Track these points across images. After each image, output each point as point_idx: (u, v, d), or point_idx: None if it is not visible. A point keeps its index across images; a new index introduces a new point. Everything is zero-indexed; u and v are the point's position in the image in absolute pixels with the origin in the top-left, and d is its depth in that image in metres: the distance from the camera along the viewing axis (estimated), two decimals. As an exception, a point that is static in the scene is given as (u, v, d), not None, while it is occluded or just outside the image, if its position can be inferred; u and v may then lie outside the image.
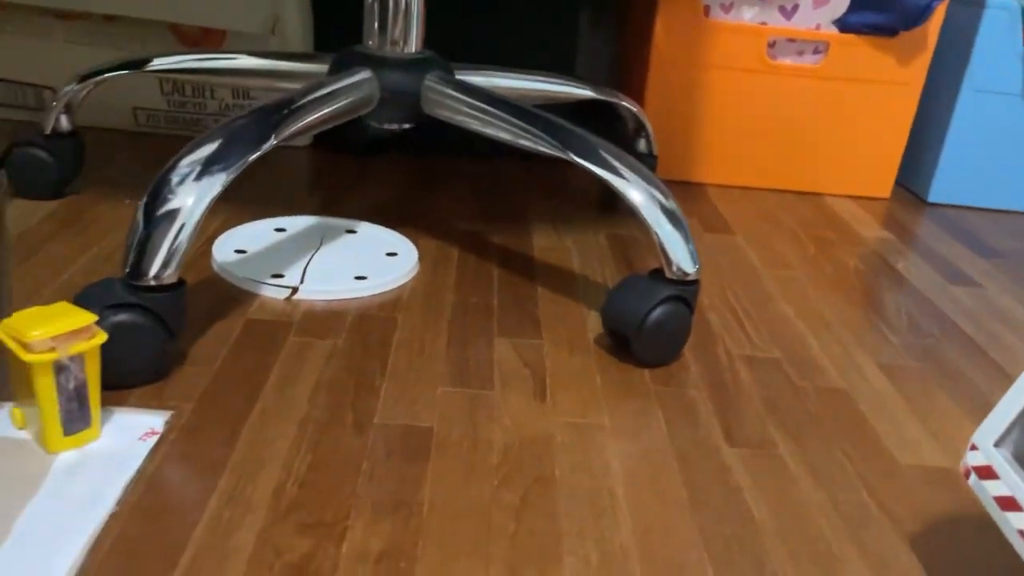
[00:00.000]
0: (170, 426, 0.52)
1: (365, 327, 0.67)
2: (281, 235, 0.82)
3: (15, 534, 0.43)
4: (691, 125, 1.11)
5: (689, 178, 1.14)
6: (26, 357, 0.45)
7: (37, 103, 1.04)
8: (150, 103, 1.05)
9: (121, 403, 0.54)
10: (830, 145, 1.13)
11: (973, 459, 0.42)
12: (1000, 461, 0.41)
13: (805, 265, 0.91)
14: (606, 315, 0.67)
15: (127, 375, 0.55)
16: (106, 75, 0.83)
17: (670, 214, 0.66)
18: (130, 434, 0.50)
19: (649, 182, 0.67)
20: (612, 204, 1.01)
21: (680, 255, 0.65)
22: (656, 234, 0.65)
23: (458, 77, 0.78)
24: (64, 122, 0.84)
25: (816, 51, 1.08)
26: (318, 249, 0.79)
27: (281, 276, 0.73)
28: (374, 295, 0.73)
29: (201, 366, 0.59)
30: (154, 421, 0.52)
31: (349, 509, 0.48)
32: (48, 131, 0.83)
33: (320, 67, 0.80)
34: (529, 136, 0.69)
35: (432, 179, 1.04)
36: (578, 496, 0.51)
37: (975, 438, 0.42)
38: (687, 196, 1.09)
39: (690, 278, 0.66)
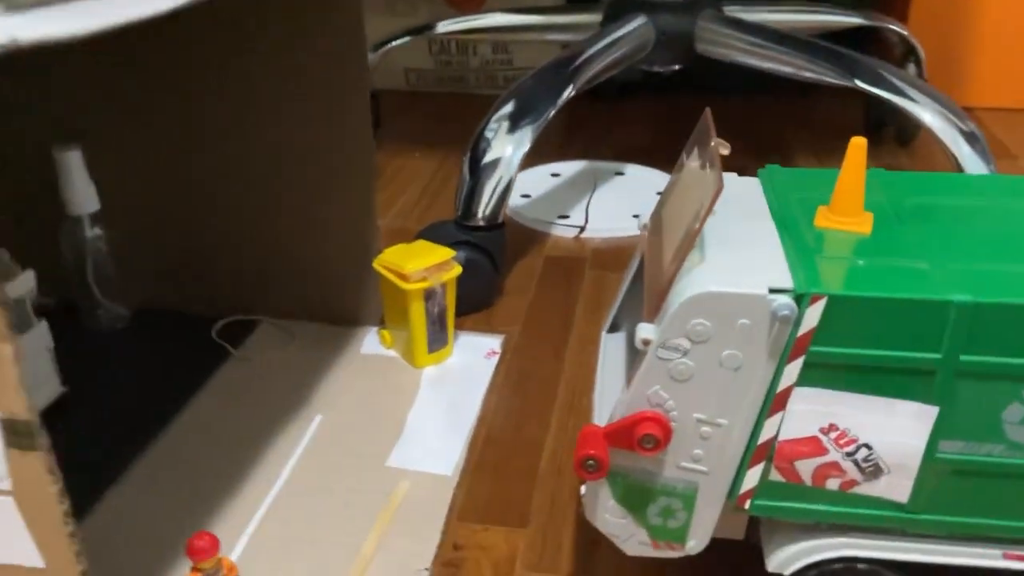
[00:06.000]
0: (505, 346, 0.60)
1: (653, 260, 0.72)
2: (558, 179, 0.88)
3: (406, 432, 0.51)
4: (961, 43, 1.04)
5: (961, 102, 1.07)
6: (404, 286, 0.53)
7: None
8: (420, 63, 1.14)
9: (460, 328, 0.62)
10: None
11: None
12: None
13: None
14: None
15: (464, 304, 0.63)
16: (394, 43, 0.92)
17: (969, 137, 0.64)
18: (476, 352, 0.58)
19: (944, 105, 0.66)
20: (878, 133, 0.98)
21: (980, 179, 0.64)
22: (955, 158, 0.64)
23: (729, 15, 0.80)
24: (365, 86, 0.94)
25: (1115, -50, 0.98)
26: (594, 191, 0.85)
27: (567, 216, 0.79)
28: (654, 231, 0.77)
29: (518, 296, 0.67)
30: (493, 343, 0.60)
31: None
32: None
33: (593, 17, 0.84)
34: (812, 67, 0.70)
35: (684, 119, 1.06)
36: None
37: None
38: (957, 121, 1.03)
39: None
